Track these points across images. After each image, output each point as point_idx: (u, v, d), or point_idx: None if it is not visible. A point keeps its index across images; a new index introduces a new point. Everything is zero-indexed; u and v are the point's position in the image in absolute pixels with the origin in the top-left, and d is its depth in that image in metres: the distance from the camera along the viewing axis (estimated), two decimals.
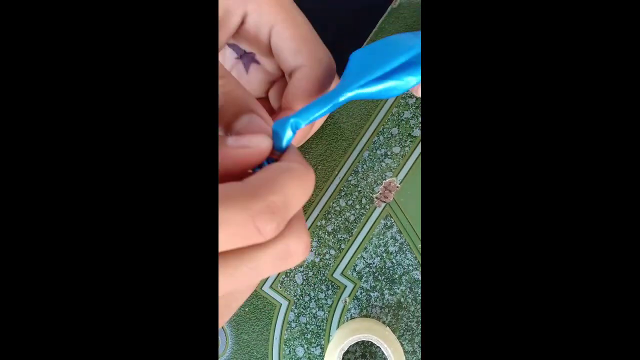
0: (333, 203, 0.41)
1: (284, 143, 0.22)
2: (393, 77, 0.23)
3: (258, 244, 0.19)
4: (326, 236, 0.41)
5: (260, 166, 0.21)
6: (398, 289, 0.41)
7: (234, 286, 0.19)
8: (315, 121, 0.24)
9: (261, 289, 0.42)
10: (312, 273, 0.42)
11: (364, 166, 0.41)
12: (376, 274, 0.41)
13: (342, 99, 0.23)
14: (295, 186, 0.19)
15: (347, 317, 0.41)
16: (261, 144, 0.21)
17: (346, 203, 0.41)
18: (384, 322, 0.41)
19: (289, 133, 0.22)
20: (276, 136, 0.22)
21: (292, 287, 0.42)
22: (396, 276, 0.41)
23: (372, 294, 0.41)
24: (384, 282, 0.41)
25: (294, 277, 0.42)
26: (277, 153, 0.22)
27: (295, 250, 0.20)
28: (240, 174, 0.21)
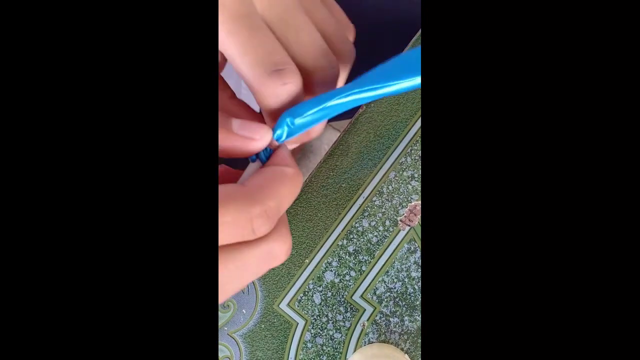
0: (356, 223, 0.40)
1: (278, 136, 0.23)
2: (385, 84, 0.24)
3: (246, 243, 0.20)
4: (347, 257, 0.40)
5: (256, 155, 0.23)
6: (419, 316, 0.39)
7: (219, 283, 0.20)
8: (314, 127, 0.25)
9: (278, 306, 0.41)
10: (330, 294, 0.41)
11: (390, 187, 0.40)
12: (397, 299, 0.40)
13: (336, 101, 0.23)
14: (288, 190, 0.21)
15: (365, 342, 0.40)
16: (266, 135, 0.22)
17: (369, 224, 0.40)
18: (402, 349, 0.39)
19: (284, 128, 0.23)
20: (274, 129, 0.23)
21: (309, 307, 0.41)
22: (417, 303, 0.39)
23: (391, 319, 0.40)
24: (404, 308, 0.40)
25: (312, 296, 0.41)
26: (273, 144, 0.24)
27: (279, 252, 0.22)
28: (234, 158, 0.23)
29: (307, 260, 0.41)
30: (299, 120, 0.23)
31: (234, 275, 0.20)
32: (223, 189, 0.19)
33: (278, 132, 0.23)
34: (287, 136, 0.23)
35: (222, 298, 0.22)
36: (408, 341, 0.39)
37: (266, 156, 0.23)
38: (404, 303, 0.40)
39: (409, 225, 0.39)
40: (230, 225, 0.19)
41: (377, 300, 0.40)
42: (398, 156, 0.40)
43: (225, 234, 0.19)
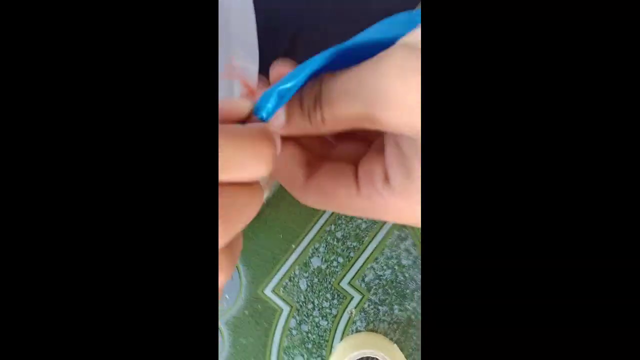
0: None
1: (264, 113, 0.23)
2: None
3: None
4: (335, 242, 0.38)
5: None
6: (409, 305, 0.38)
7: None
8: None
9: (262, 291, 0.40)
10: (317, 280, 0.39)
11: None
12: (386, 287, 0.38)
13: (320, 63, 0.22)
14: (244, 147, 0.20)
15: (352, 330, 0.39)
16: (240, 104, 0.22)
17: None
18: (391, 339, 0.38)
19: (272, 101, 0.22)
20: (259, 104, 0.22)
21: (295, 293, 0.39)
22: (408, 291, 0.38)
23: (380, 307, 0.38)
24: (394, 297, 0.38)
25: (298, 282, 0.39)
26: (256, 120, 0.23)
27: None
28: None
29: (293, 246, 0.39)
30: (287, 85, 0.22)
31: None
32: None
33: (264, 110, 0.22)
34: (277, 105, 0.23)
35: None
36: (398, 331, 0.38)
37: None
38: (393, 291, 0.38)
39: None
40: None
41: (365, 288, 0.38)
42: None
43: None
